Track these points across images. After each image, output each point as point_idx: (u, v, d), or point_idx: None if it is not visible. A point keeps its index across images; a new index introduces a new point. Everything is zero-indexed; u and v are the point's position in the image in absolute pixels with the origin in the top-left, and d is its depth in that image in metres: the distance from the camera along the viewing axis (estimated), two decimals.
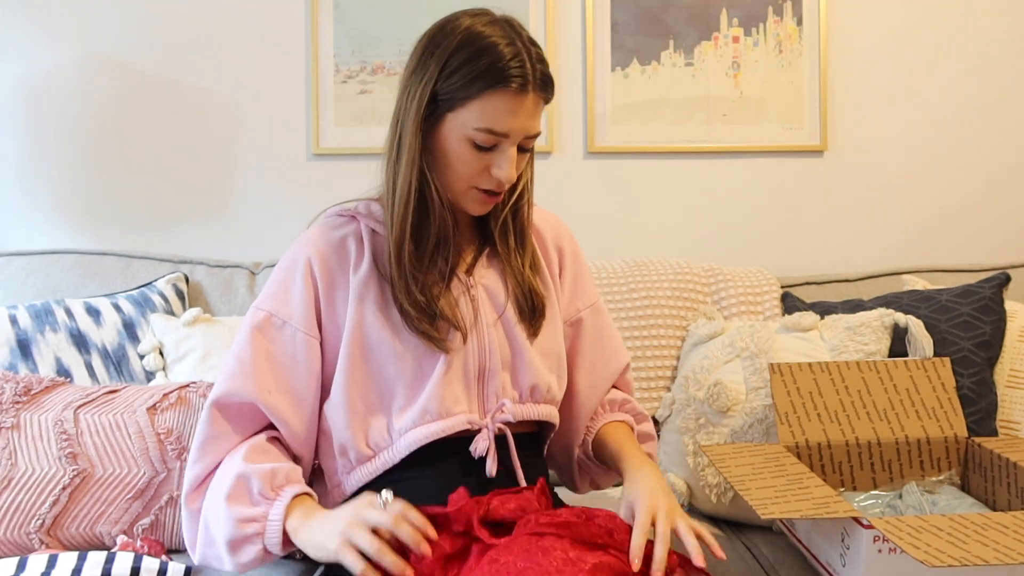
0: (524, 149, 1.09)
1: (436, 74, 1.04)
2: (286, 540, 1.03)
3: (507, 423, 1.12)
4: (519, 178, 1.16)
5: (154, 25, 2.11)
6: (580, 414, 1.25)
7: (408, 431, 1.09)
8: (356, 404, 1.10)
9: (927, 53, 2.16)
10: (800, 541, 1.28)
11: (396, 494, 0.99)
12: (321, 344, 1.12)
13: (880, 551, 1.04)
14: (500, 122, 1.03)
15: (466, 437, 1.11)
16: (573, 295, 1.26)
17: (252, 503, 1.04)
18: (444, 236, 1.12)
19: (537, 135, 1.08)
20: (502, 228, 1.17)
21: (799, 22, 2.13)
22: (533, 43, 1.06)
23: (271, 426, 1.12)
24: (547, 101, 1.08)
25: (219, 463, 1.09)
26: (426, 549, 0.93)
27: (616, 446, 1.18)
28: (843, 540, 1.11)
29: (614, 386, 1.30)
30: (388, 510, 0.95)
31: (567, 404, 1.25)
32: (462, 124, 1.04)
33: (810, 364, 1.41)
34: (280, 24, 2.13)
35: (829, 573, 1.16)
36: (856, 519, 1.05)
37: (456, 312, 1.11)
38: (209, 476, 1.09)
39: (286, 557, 1.36)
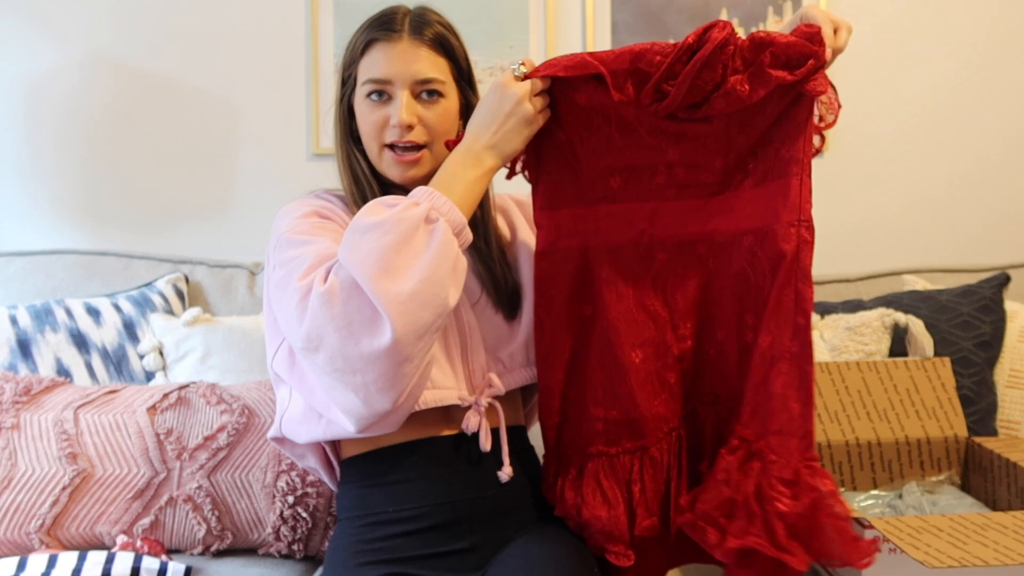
0: (429, 96, 1.12)
1: (340, 68, 1.18)
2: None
3: (497, 397, 1.13)
4: None
5: (154, 25, 2.11)
6: None
7: None
8: None
9: (927, 53, 2.16)
10: None
11: (394, 471, 1.03)
12: None
13: (880, 551, 1.04)
14: (378, 69, 1.11)
15: (456, 416, 1.11)
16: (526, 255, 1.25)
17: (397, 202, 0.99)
18: None
19: (431, 80, 1.12)
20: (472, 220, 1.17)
21: None
22: (419, 7, 1.16)
23: None
24: (434, 44, 1.13)
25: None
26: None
27: None
28: None
29: None
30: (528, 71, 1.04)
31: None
32: (359, 89, 1.14)
33: None
34: (280, 24, 2.12)
35: (828, 572, 1.16)
36: (856, 519, 1.05)
37: None
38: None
39: (286, 556, 1.37)
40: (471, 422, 1.10)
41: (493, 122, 1.04)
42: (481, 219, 1.17)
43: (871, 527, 1.03)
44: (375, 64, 1.12)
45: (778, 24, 2.12)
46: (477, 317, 1.16)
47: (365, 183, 1.16)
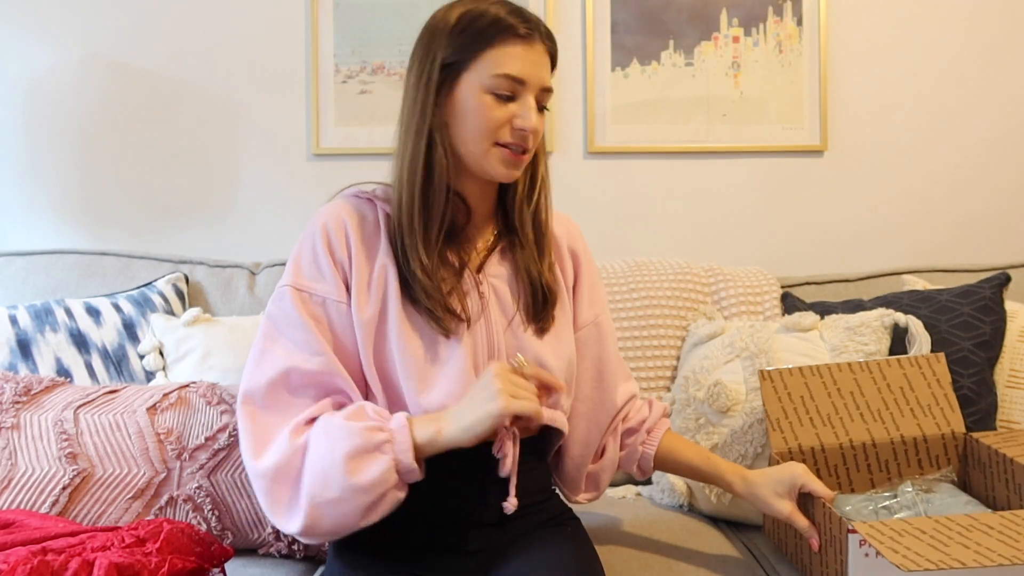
0: (540, 107, 1.11)
1: (444, 44, 1.08)
2: (415, 458, 1.00)
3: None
4: (536, 169, 1.17)
5: (154, 25, 2.11)
6: (597, 422, 1.24)
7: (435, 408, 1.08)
8: (376, 384, 1.09)
9: (927, 53, 2.16)
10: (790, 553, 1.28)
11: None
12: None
13: (867, 555, 1.04)
14: (516, 67, 1.07)
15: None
16: (591, 300, 1.25)
17: (372, 419, 1.01)
18: (453, 222, 1.12)
19: (551, 91, 1.12)
20: (520, 216, 1.16)
21: (799, 22, 2.13)
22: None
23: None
24: (553, 59, 1.12)
25: (298, 424, 1.04)
26: (560, 385, 1.09)
27: (699, 460, 1.26)
28: None
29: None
30: (525, 372, 1.04)
31: (584, 412, 1.24)
32: (479, 77, 1.07)
33: (800, 368, 1.40)
34: (280, 24, 2.13)
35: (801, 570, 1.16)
36: (840, 522, 1.05)
37: (464, 305, 1.11)
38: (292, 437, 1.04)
39: (286, 556, 1.36)
40: (505, 444, 1.06)
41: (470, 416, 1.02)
42: (533, 219, 1.17)
43: (854, 531, 1.03)
44: (512, 60, 1.07)
45: (778, 24, 2.13)
46: (511, 337, 1.14)
47: (439, 181, 1.09)
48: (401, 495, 1.01)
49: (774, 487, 1.17)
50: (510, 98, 1.08)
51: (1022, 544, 0.95)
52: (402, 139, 1.11)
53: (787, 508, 1.16)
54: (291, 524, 1.01)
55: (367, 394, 1.10)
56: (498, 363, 1.03)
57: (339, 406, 1.06)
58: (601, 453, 1.26)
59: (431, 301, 1.08)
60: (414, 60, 1.12)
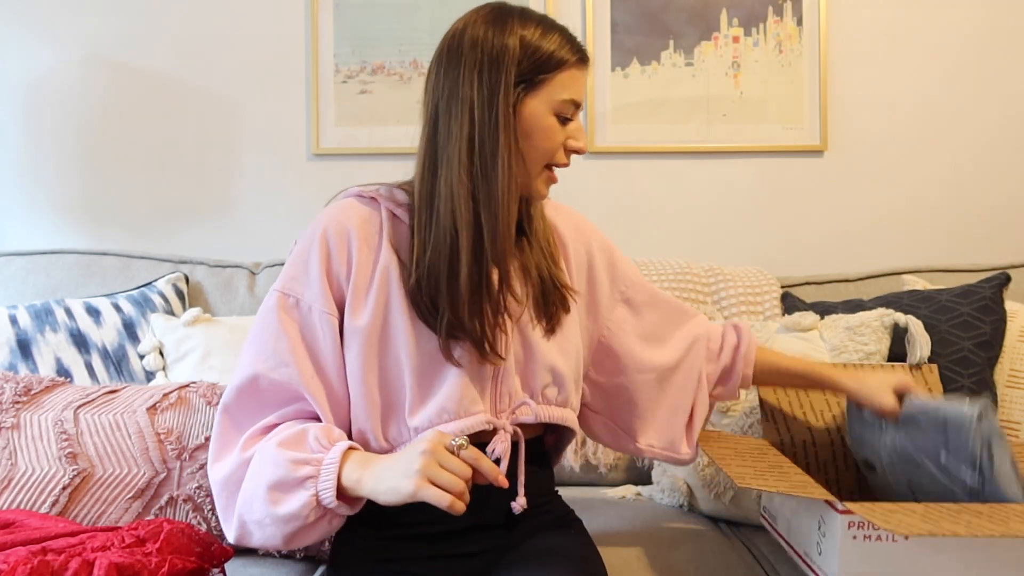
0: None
1: (515, 61, 1.06)
2: (340, 495, 0.98)
3: (522, 424, 1.11)
4: None
5: (154, 25, 2.11)
6: (678, 383, 1.27)
7: (426, 429, 1.07)
8: (373, 394, 1.08)
9: (927, 53, 2.16)
10: (781, 535, 1.28)
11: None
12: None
13: (855, 537, 1.04)
14: (578, 92, 1.11)
15: (486, 434, 1.09)
16: (612, 283, 1.26)
17: (308, 449, 1.00)
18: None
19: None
20: (528, 219, 1.17)
21: (799, 22, 2.13)
22: None
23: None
24: None
25: (253, 434, 1.06)
26: (503, 482, 0.96)
27: (798, 367, 1.31)
28: (819, 527, 1.11)
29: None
30: (462, 455, 0.94)
31: (658, 385, 1.26)
32: (548, 100, 1.08)
33: None
34: (280, 24, 2.13)
35: (807, 563, 1.16)
36: (830, 503, 1.05)
37: (493, 333, 1.09)
38: (244, 445, 1.06)
39: (286, 556, 1.36)
40: (499, 447, 1.07)
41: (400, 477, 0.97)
42: (531, 215, 1.17)
43: (847, 511, 1.03)
44: (576, 84, 1.11)
45: (778, 24, 2.13)
46: (517, 335, 1.13)
47: (506, 201, 1.07)
48: (335, 523, 1.02)
49: (884, 381, 1.25)
50: (567, 120, 1.11)
51: (1012, 525, 0.95)
52: (464, 155, 1.05)
53: (892, 401, 1.22)
54: (228, 532, 1.06)
55: (348, 406, 1.09)
56: (435, 435, 0.96)
57: (305, 414, 1.07)
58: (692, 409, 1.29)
59: (457, 327, 1.07)
60: (469, 70, 1.06)
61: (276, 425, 1.06)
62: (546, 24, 1.11)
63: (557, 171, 1.13)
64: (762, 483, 1.07)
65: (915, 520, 0.95)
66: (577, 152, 1.12)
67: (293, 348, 1.05)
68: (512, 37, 1.07)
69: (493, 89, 1.06)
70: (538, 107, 1.08)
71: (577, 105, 1.11)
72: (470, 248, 1.05)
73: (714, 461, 1.17)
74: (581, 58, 1.11)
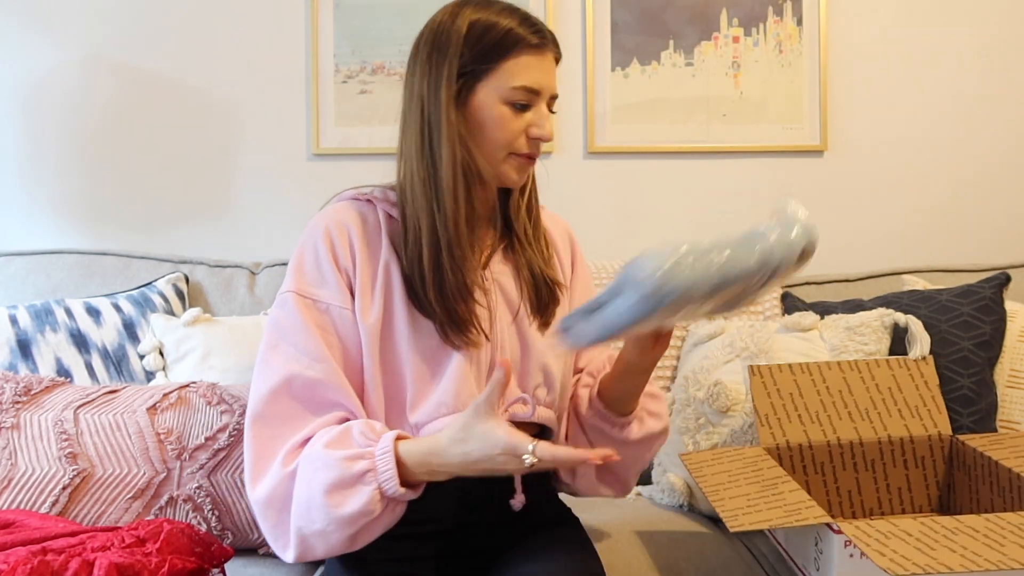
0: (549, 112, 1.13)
1: (458, 53, 1.07)
2: (403, 482, 0.96)
3: (518, 423, 1.11)
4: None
5: (154, 25, 2.11)
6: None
7: (425, 425, 1.08)
8: (379, 390, 1.08)
9: (927, 53, 2.16)
10: (780, 544, 1.28)
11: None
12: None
13: (852, 555, 1.04)
14: (532, 78, 1.07)
15: None
16: (583, 295, 1.27)
17: (356, 444, 0.98)
18: (479, 221, 1.14)
19: (557, 96, 1.13)
20: (518, 216, 1.17)
21: (799, 22, 2.13)
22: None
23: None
24: (557, 62, 1.13)
25: (291, 448, 1.03)
26: (599, 454, 0.94)
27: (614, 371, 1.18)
28: (816, 544, 1.11)
29: None
30: (539, 462, 0.93)
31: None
32: (496, 88, 1.07)
33: (790, 365, 1.41)
34: (280, 24, 2.13)
35: (799, 567, 1.16)
36: (828, 524, 1.05)
37: (476, 316, 1.10)
38: (285, 461, 1.02)
39: None
40: None
41: (480, 464, 0.97)
42: (529, 217, 1.18)
43: (840, 532, 1.03)
44: (527, 71, 1.07)
45: (778, 24, 2.13)
46: (515, 332, 1.14)
47: (461, 188, 1.08)
48: (396, 515, 1.00)
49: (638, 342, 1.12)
50: (525, 107, 1.09)
51: (1008, 549, 0.95)
52: (417, 146, 1.09)
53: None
54: (286, 553, 1.02)
55: (366, 402, 1.09)
56: (507, 447, 0.94)
57: (340, 420, 1.04)
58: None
59: (449, 315, 1.08)
60: (422, 65, 1.09)
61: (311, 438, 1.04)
62: (506, 9, 1.09)
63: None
64: (755, 519, 1.06)
65: (910, 549, 0.94)
66: (540, 140, 1.10)
67: (323, 345, 1.05)
68: (462, 20, 1.08)
69: (437, 82, 1.08)
70: (487, 96, 1.08)
71: (535, 92, 1.08)
72: (429, 234, 1.07)
73: (707, 496, 1.16)
74: (541, 43, 1.08)
